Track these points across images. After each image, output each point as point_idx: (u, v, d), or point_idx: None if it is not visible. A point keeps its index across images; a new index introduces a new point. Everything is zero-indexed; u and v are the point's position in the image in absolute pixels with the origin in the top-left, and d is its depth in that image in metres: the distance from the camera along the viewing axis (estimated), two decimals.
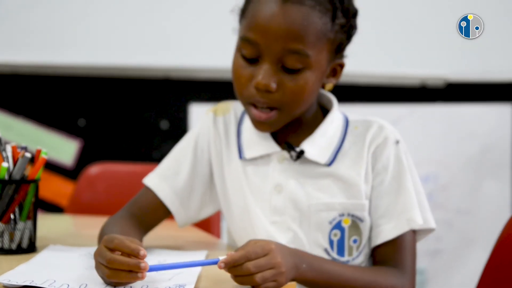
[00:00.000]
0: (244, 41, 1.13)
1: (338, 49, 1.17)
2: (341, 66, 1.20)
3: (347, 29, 1.16)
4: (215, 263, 0.96)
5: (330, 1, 1.13)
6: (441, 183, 2.41)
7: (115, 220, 1.21)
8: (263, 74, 1.11)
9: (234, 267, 0.95)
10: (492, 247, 1.28)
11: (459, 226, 2.41)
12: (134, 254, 0.93)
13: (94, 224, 1.50)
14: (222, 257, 0.96)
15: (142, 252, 0.93)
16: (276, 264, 0.97)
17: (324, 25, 1.12)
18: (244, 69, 1.14)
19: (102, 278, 0.96)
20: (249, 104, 1.15)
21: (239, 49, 1.15)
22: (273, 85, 1.12)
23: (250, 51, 1.13)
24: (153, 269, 0.94)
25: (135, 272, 0.92)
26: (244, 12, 1.16)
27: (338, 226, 1.17)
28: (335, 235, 1.17)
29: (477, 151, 2.40)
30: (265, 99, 1.13)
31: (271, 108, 1.14)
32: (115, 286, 0.94)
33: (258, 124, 1.17)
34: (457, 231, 2.41)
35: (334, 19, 1.13)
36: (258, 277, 0.95)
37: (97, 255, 0.96)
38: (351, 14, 1.17)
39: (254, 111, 1.15)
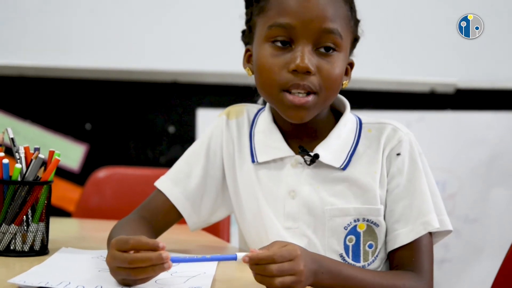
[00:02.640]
0: (276, 28, 1.12)
1: (353, 44, 1.19)
2: (351, 65, 1.21)
3: (357, 28, 1.19)
4: (233, 258, 0.95)
5: None
6: (449, 190, 2.39)
7: (125, 223, 1.20)
8: (302, 56, 1.11)
9: (257, 265, 0.94)
10: (502, 255, 1.27)
11: (467, 234, 2.40)
12: (154, 248, 0.92)
13: (103, 228, 1.49)
14: (239, 253, 0.95)
15: (161, 244, 0.92)
16: (298, 271, 0.95)
17: (347, 12, 1.16)
18: (276, 57, 1.13)
19: (123, 281, 0.95)
20: (283, 91, 1.13)
21: (267, 39, 1.14)
22: (312, 66, 1.11)
23: (283, 37, 1.12)
24: (174, 260, 0.93)
25: (159, 264, 0.92)
26: (263, 8, 1.15)
27: (353, 231, 1.16)
28: (350, 240, 1.16)
29: (486, 158, 2.39)
30: (305, 81, 1.11)
31: (307, 94, 1.13)
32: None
33: (293, 111, 1.13)
34: (465, 239, 2.39)
35: (352, 12, 1.17)
36: (278, 281, 0.94)
37: (112, 260, 0.95)
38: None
39: (291, 97, 1.12)
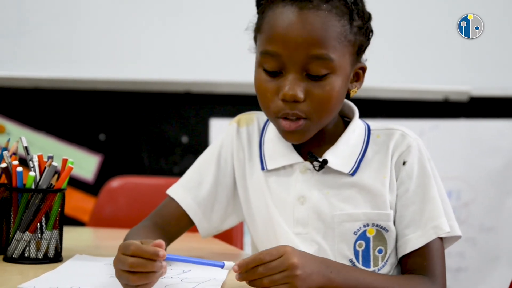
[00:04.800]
0: (264, 55, 1.12)
1: (359, 51, 1.17)
2: (363, 69, 1.19)
3: (365, 31, 1.16)
4: (220, 266, 0.97)
5: (345, 4, 1.12)
6: (464, 199, 2.38)
7: (138, 230, 1.21)
8: (290, 85, 1.10)
9: (247, 272, 0.96)
10: None
11: (482, 243, 2.38)
12: (154, 258, 0.93)
13: (117, 236, 1.50)
14: (227, 262, 0.97)
15: (162, 252, 0.93)
16: (289, 266, 0.96)
17: (343, 27, 1.12)
18: (268, 83, 1.13)
19: (126, 285, 0.96)
20: (277, 118, 1.14)
21: (260, 64, 1.14)
22: (300, 95, 1.10)
23: (272, 64, 1.12)
24: (170, 259, 0.95)
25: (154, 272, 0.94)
26: (259, 27, 1.15)
27: (363, 236, 1.16)
28: (360, 245, 1.16)
29: (500, 166, 2.38)
30: (294, 110, 1.11)
31: (299, 118, 1.13)
32: None
33: (288, 135, 1.15)
34: (481, 248, 2.38)
35: (351, 21, 1.13)
36: (266, 279, 0.95)
37: (116, 263, 0.96)
38: (366, 16, 1.17)
39: (283, 122, 1.13)
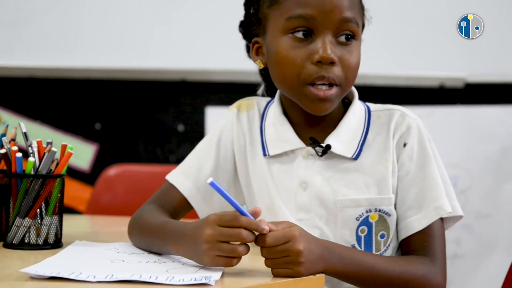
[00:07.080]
0: (296, 19, 1.12)
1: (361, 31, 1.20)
2: None
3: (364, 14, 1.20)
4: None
5: None
6: (461, 186, 2.38)
7: (154, 211, 1.19)
8: (325, 47, 1.10)
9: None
10: None
11: (479, 230, 2.38)
12: (260, 231, 0.97)
13: (115, 223, 1.50)
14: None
15: (267, 228, 0.98)
16: (294, 252, 0.98)
17: (359, 0, 1.17)
18: (297, 49, 1.12)
19: (216, 258, 0.97)
20: (307, 85, 1.12)
21: (284, 31, 1.13)
22: (335, 57, 1.11)
23: (304, 28, 1.12)
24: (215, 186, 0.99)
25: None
26: None
27: (365, 222, 1.16)
28: (363, 231, 1.16)
29: (497, 153, 2.38)
30: (329, 73, 1.11)
31: (330, 85, 1.12)
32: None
33: (318, 104, 1.13)
34: (477, 235, 2.38)
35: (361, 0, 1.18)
36: (269, 262, 0.99)
37: (216, 235, 0.96)
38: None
39: (315, 90, 1.12)
